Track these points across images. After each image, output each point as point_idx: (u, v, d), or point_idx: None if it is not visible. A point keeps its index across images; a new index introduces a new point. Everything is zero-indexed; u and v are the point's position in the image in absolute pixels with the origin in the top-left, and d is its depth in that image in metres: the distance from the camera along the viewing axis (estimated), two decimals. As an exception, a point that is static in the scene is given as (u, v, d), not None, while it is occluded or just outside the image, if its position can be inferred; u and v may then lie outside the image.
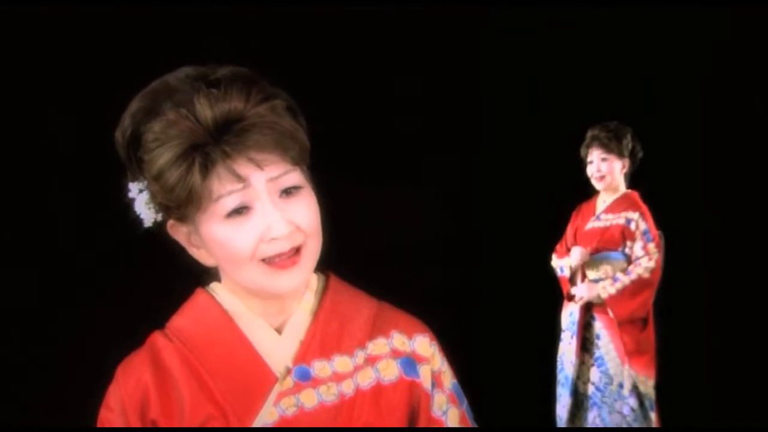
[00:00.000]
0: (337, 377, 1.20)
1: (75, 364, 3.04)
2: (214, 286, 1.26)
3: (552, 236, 3.97)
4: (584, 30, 4.21)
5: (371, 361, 1.23)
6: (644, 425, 3.65)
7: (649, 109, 4.26)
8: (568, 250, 3.85)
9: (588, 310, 3.76)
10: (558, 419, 3.82)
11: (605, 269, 3.74)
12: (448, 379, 1.29)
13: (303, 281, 1.19)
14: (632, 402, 3.64)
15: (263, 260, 1.14)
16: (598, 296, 3.68)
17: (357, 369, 1.21)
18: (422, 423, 1.24)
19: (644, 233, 3.68)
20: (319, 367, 1.19)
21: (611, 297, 3.65)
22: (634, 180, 3.81)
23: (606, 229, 3.74)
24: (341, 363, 1.20)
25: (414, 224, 4.02)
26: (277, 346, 1.21)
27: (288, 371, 1.19)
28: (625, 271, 3.67)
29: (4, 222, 3.28)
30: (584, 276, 3.77)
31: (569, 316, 3.81)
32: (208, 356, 1.19)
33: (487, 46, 4.26)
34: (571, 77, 4.34)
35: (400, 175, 4.02)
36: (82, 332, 3.19)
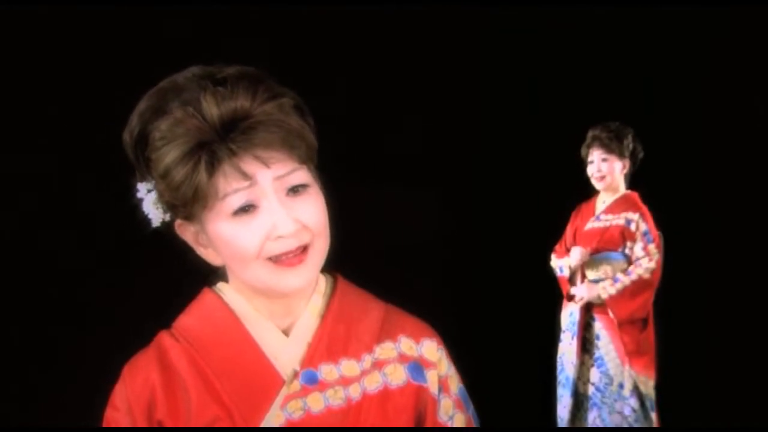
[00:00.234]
0: (345, 381, 1.19)
1: (79, 363, 3.04)
2: (221, 287, 1.26)
3: (551, 236, 3.97)
4: (584, 30, 4.21)
5: (378, 365, 1.22)
6: (645, 426, 3.65)
7: (649, 109, 4.26)
8: (568, 250, 3.85)
9: (588, 310, 3.76)
10: (559, 420, 3.82)
11: (605, 269, 3.74)
12: (455, 383, 1.29)
13: (309, 280, 1.19)
14: (633, 402, 3.64)
15: (270, 259, 1.13)
16: (598, 296, 3.68)
17: (364, 373, 1.20)
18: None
19: (645, 234, 3.68)
20: (327, 371, 1.19)
21: (611, 297, 3.65)
22: (633, 180, 3.81)
23: (606, 229, 3.74)
24: (348, 367, 1.20)
25: (414, 224, 4.01)
26: (284, 349, 1.20)
27: (295, 374, 1.18)
28: (625, 271, 3.67)
29: (11, 221, 3.28)
30: (584, 276, 3.77)
31: (569, 316, 3.80)
32: (215, 357, 1.19)
33: (487, 46, 4.25)
34: (571, 77, 4.34)
35: (400, 175, 4.02)
36: (86, 332, 3.19)
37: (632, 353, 3.65)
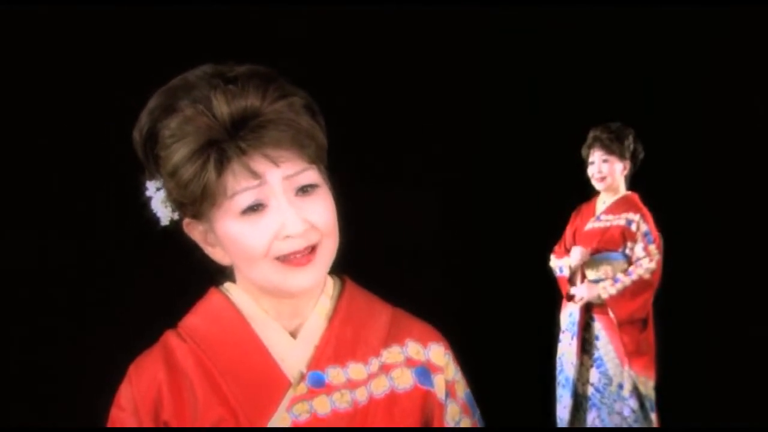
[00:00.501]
0: (351, 384, 1.18)
1: (85, 363, 3.04)
2: (228, 287, 1.25)
3: (551, 237, 3.96)
4: (584, 30, 4.21)
5: (385, 369, 1.21)
6: (645, 427, 3.65)
7: (649, 109, 4.26)
8: (567, 250, 3.85)
9: (587, 310, 3.76)
10: (559, 420, 3.82)
11: (605, 269, 3.73)
12: (462, 388, 1.28)
13: (317, 280, 1.18)
14: (632, 403, 3.64)
15: (278, 258, 1.13)
16: (599, 297, 3.68)
17: (371, 377, 1.20)
18: None
19: (645, 234, 3.68)
20: (333, 374, 1.18)
21: (611, 297, 3.65)
22: (633, 180, 3.81)
23: (606, 229, 3.74)
24: (355, 370, 1.19)
25: (413, 225, 4.01)
26: (291, 351, 1.20)
27: (302, 377, 1.18)
28: (625, 271, 3.67)
29: (16, 221, 3.28)
30: (584, 276, 3.77)
31: (569, 316, 3.80)
32: (222, 358, 1.18)
33: (487, 46, 4.25)
34: (571, 77, 4.34)
35: (399, 175, 4.02)
36: (91, 332, 3.19)
37: (632, 354, 3.65)
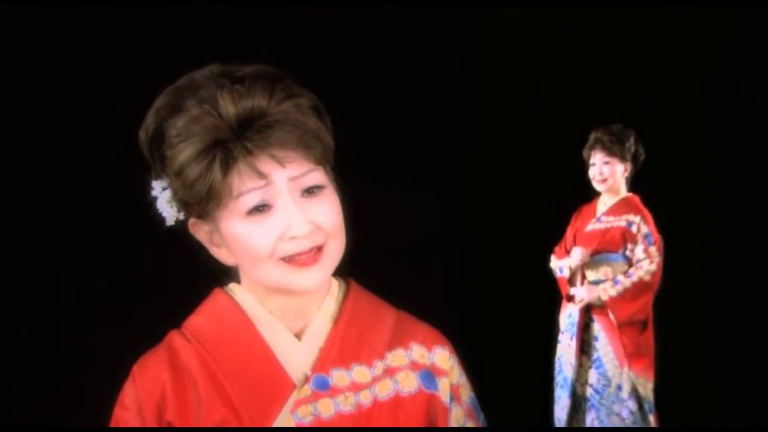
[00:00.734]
0: (355, 387, 1.18)
1: (88, 363, 3.04)
2: (233, 287, 1.24)
3: (552, 238, 3.96)
4: (584, 30, 4.21)
5: (390, 372, 1.21)
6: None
7: (649, 109, 4.26)
8: (568, 251, 3.85)
9: (587, 311, 3.76)
10: (557, 421, 3.82)
11: (605, 271, 3.73)
12: (466, 392, 1.28)
13: (322, 280, 1.17)
14: (631, 405, 3.64)
15: (283, 259, 1.13)
16: (599, 298, 3.68)
17: (375, 380, 1.19)
18: None
19: (646, 236, 3.68)
20: (338, 377, 1.18)
21: (612, 299, 3.65)
22: (634, 182, 3.81)
23: (606, 231, 3.74)
24: (360, 373, 1.19)
25: (413, 225, 4.01)
26: (296, 352, 1.19)
27: (306, 379, 1.17)
28: (625, 273, 3.67)
29: (22, 220, 3.28)
30: (583, 277, 3.77)
31: (568, 317, 3.80)
32: (226, 359, 1.18)
33: (487, 46, 4.25)
34: (571, 77, 4.34)
35: (399, 175, 4.02)
36: (94, 332, 3.19)
37: (631, 355, 3.64)
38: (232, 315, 1.21)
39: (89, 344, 3.18)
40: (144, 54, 3.18)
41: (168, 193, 1.18)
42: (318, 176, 1.14)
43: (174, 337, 1.21)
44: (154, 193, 1.19)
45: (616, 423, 3.65)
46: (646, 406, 3.64)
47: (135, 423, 1.16)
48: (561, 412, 3.80)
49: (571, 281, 3.81)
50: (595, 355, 3.72)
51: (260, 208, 1.11)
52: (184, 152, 1.09)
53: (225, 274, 1.25)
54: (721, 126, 4.31)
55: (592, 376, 3.72)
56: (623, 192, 3.79)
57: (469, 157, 4.36)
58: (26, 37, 3.23)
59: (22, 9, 3.16)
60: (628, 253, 3.71)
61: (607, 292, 3.65)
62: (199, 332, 1.20)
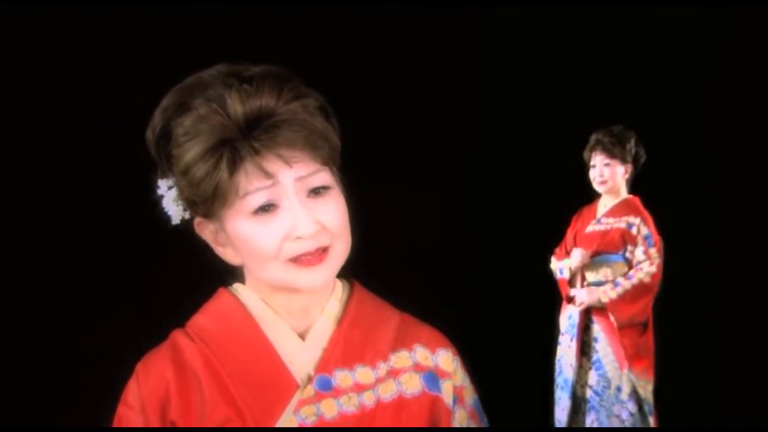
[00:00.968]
0: (359, 388, 1.18)
1: (91, 362, 3.04)
2: (238, 287, 1.24)
3: (552, 239, 3.96)
4: (584, 30, 4.21)
5: (393, 373, 1.21)
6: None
7: (649, 109, 4.26)
8: (568, 253, 3.85)
9: (587, 313, 3.76)
10: (557, 422, 3.82)
11: (605, 272, 3.74)
12: (470, 395, 1.28)
13: (326, 280, 1.17)
14: (631, 406, 3.64)
15: (288, 259, 1.13)
16: (599, 300, 3.68)
17: (379, 381, 1.19)
18: None
19: (646, 238, 3.68)
20: (341, 377, 1.18)
21: (612, 301, 3.65)
22: (634, 183, 3.81)
23: (606, 232, 3.74)
24: (363, 374, 1.19)
25: (413, 226, 4.00)
26: (300, 353, 1.19)
27: (309, 379, 1.17)
28: (626, 275, 3.67)
29: (26, 219, 3.28)
30: (583, 278, 3.77)
31: (568, 319, 3.80)
32: (230, 358, 1.18)
33: (487, 46, 4.25)
34: (571, 77, 4.34)
35: (399, 176, 4.01)
36: (97, 331, 3.19)
37: (632, 357, 3.65)
38: (237, 315, 1.21)
39: (93, 344, 3.18)
40: (143, 54, 3.18)
41: (174, 192, 1.18)
42: (324, 177, 1.14)
43: (178, 336, 1.21)
44: (159, 191, 1.19)
45: (615, 424, 3.66)
46: (646, 408, 3.65)
47: (138, 421, 1.16)
48: (561, 414, 3.80)
49: (571, 282, 3.81)
50: (594, 357, 3.73)
51: (266, 208, 1.11)
52: (191, 151, 1.09)
53: (230, 275, 1.24)
54: (721, 127, 4.31)
55: (592, 377, 3.73)
56: (623, 193, 3.79)
57: (468, 158, 4.36)
58: (26, 37, 3.23)
59: (22, 9, 3.16)
60: (627, 254, 3.71)
61: (607, 294, 3.66)
62: (204, 331, 1.20)
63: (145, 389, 1.16)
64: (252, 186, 1.10)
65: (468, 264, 4.36)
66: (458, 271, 4.29)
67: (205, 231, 1.19)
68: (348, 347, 1.20)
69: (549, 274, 3.93)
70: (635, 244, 3.69)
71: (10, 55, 3.20)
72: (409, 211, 3.95)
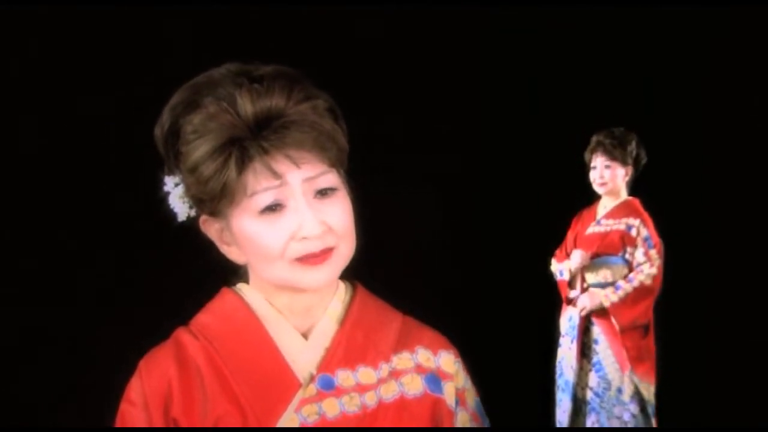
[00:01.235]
0: (361, 388, 1.18)
1: (93, 360, 3.03)
2: (241, 287, 1.25)
3: (553, 241, 3.96)
4: (584, 30, 4.21)
5: (395, 375, 1.21)
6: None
7: (649, 109, 4.26)
8: (568, 255, 3.85)
9: (587, 314, 3.76)
10: (558, 424, 3.83)
11: (604, 273, 3.74)
12: (472, 397, 1.29)
13: (329, 280, 1.18)
14: (633, 408, 3.64)
15: (293, 260, 1.13)
16: (601, 304, 3.67)
17: (381, 382, 1.20)
18: None
19: (646, 239, 3.68)
20: (343, 377, 1.18)
21: (614, 305, 3.66)
22: (634, 185, 3.81)
23: (606, 234, 3.75)
24: (365, 374, 1.19)
25: (414, 227, 4.00)
26: (302, 352, 1.20)
27: (312, 378, 1.17)
28: (626, 278, 3.67)
29: (30, 218, 3.28)
30: (583, 280, 3.77)
31: (569, 320, 3.81)
32: (233, 356, 1.18)
33: (487, 46, 4.25)
34: (571, 77, 4.34)
35: (399, 176, 4.01)
36: (100, 329, 3.18)
37: (634, 359, 3.65)
38: (240, 313, 1.21)
39: (95, 342, 3.18)
40: (144, 54, 3.18)
41: (180, 189, 1.18)
42: (331, 178, 1.15)
43: (181, 334, 1.21)
44: (166, 188, 1.20)
45: (616, 426, 3.65)
46: (650, 409, 3.65)
47: (141, 418, 1.16)
48: (562, 416, 3.81)
49: (571, 284, 3.81)
50: (595, 359, 3.73)
51: (273, 208, 1.12)
52: (199, 149, 1.10)
53: (234, 274, 1.25)
54: (721, 128, 4.31)
55: (593, 379, 3.73)
56: (624, 195, 3.79)
57: (468, 159, 4.36)
58: (27, 37, 3.23)
59: (22, 9, 3.16)
60: (627, 256, 3.71)
61: (608, 298, 3.66)
62: (207, 329, 1.21)
63: (148, 386, 1.16)
64: (260, 185, 1.10)
65: (469, 266, 4.36)
66: (459, 273, 4.28)
67: (211, 229, 1.20)
68: (350, 347, 1.20)
69: (549, 276, 3.93)
70: (635, 246, 3.69)
71: (12, 55, 3.20)
72: (408, 213, 3.95)
